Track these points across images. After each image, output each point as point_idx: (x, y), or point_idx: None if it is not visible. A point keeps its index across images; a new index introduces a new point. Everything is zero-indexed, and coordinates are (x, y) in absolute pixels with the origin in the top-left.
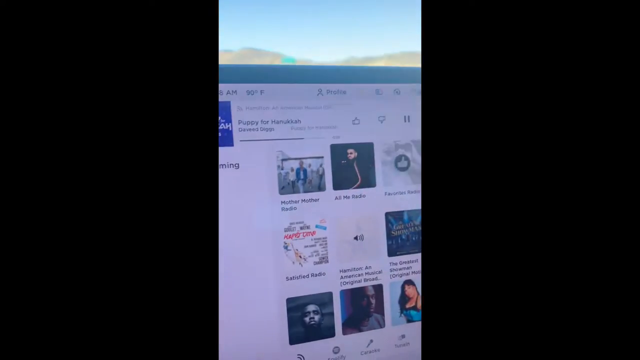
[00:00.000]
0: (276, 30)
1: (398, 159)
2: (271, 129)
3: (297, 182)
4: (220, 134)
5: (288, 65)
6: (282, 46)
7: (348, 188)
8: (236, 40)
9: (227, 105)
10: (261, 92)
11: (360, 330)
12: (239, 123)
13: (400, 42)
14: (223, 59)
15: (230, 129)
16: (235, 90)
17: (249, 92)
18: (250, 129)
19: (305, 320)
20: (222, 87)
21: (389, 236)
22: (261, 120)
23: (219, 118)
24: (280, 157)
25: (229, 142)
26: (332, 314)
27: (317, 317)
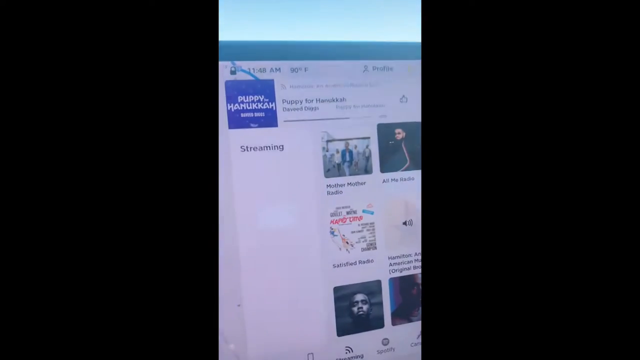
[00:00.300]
0: (279, 21)
1: None
2: (316, 108)
3: (342, 164)
4: (263, 114)
5: (333, 42)
6: (287, 37)
7: (396, 170)
8: (238, 32)
9: (271, 83)
10: (305, 69)
11: (410, 321)
12: (283, 102)
13: (416, 31)
14: None
15: (274, 108)
16: (279, 68)
17: (292, 70)
18: (294, 109)
19: (353, 310)
20: (265, 64)
21: None
22: (305, 99)
23: (262, 97)
24: (326, 138)
25: (273, 123)
26: (380, 303)
27: (365, 307)
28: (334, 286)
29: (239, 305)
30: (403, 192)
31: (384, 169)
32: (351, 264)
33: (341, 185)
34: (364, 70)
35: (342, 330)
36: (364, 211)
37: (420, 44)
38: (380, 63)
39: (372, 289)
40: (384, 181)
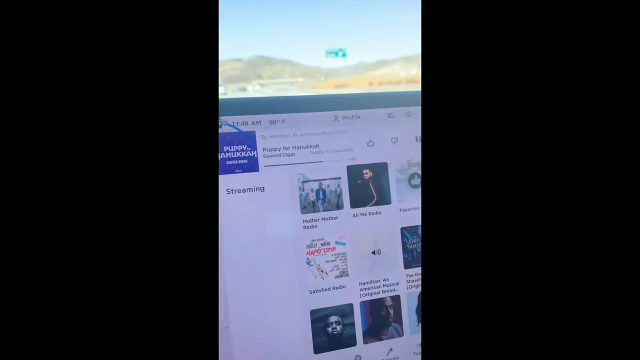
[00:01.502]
0: (285, 37)
1: (411, 176)
2: (292, 154)
3: (317, 201)
4: (246, 161)
5: (306, 96)
6: (292, 53)
7: (365, 206)
8: (245, 49)
9: (252, 134)
10: (282, 121)
11: (380, 339)
12: (264, 150)
13: (416, 43)
14: (233, 68)
15: (255, 156)
16: (259, 121)
17: (271, 122)
18: (273, 155)
19: (328, 331)
20: (247, 118)
21: (405, 250)
22: (283, 147)
23: (245, 146)
24: (301, 180)
25: (255, 168)
26: (353, 324)
27: (339, 327)
28: (310, 309)
29: (226, 328)
30: (371, 225)
31: (353, 204)
32: (326, 290)
33: (316, 220)
34: (334, 120)
35: (318, 349)
36: (336, 242)
37: (385, 95)
38: (348, 113)
39: (345, 311)
40: (354, 215)
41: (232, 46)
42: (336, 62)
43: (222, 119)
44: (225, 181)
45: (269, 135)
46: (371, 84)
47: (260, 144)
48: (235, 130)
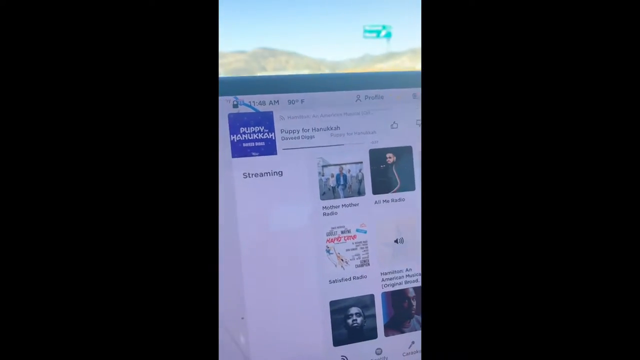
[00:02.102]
0: (289, 28)
1: None
2: (312, 137)
3: (337, 187)
4: (264, 143)
5: (327, 74)
6: (296, 45)
7: (387, 192)
8: (249, 41)
9: (270, 115)
10: (302, 101)
11: (402, 332)
12: (282, 132)
13: (405, 61)
14: (237, 59)
15: (273, 138)
16: (277, 100)
17: (290, 102)
18: (292, 137)
19: (348, 322)
20: (264, 97)
21: None
22: (302, 129)
23: (262, 127)
24: (321, 164)
25: (273, 151)
26: (374, 316)
27: (359, 319)
28: (330, 300)
29: (242, 318)
30: (394, 212)
31: (375, 191)
32: (346, 280)
33: (336, 207)
34: (356, 100)
35: (338, 341)
36: (357, 230)
37: (409, 74)
38: (371, 92)
39: (365, 302)
40: (376, 202)
41: (236, 38)
42: (343, 54)
43: (239, 98)
44: (241, 164)
45: (287, 116)
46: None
47: (278, 125)
48: (252, 111)
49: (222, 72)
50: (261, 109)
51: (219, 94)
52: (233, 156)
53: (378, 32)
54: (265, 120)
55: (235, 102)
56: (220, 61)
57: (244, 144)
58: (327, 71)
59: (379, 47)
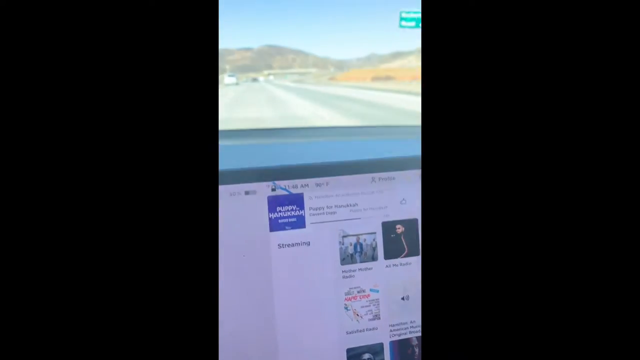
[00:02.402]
0: (296, 26)
1: None
2: (334, 212)
3: (355, 254)
4: (295, 219)
5: (347, 161)
6: (302, 43)
7: (396, 257)
8: (256, 38)
9: (301, 196)
10: (327, 183)
11: None
12: (310, 209)
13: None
14: (244, 56)
15: (303, 214)
16: (307, 184)
17: (317, 185)
18: (318, 214)
19: None
20: (296, 182)
21: None
22: (327, 206)
23: (294, 206)
24: (342, 235)
25: (302, 225)
26: None
27: None
28: (347, 347)
29: None
30: (402, 274)
31: (387, 256)
32: (360, 331)
33: (353, 271)
34: (371, 181)
35: None
36: (371, 290)
37: (416, 159)
38: (384, 175)
39: (376, 349)
40: (387, 266)
41: (243, 35)
42: (349, 52)
43: (276, 183)
44: (276, 237)
45: (314, 196)
46: (388, 77)
47: (307, 204)
48: (286, 193)
49: (229, 69)
50: (294, 191)
51: (260, 179)
52: (270, 230)
53: (417, 21)
54: (297, 200)
55: (273, 187)
56: (227, 57)
57: (280, 220)
58: (332, 69)
59: (385, 46)
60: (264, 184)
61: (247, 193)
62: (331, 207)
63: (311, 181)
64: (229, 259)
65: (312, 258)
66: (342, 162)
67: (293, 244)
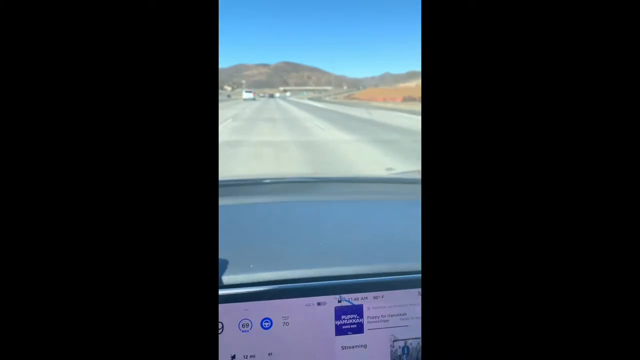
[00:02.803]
0: (313, 44)
1: None
2: (387, 320)
3: (402, 356)
4: (356, 326)
5: (400, 277)
6: (319, 60)
7: None
8: (273, 54)
9: (361, 307)
10: (382, 297)
11: None
12: (368, 317)
13: None
14: (261, 72)
15: (362, 322)
16: (366, 297)
17: (374, 297)
18: (374, 321)
19: None
20: (358, 295)
21: None
22: (381, 315)
23: (356, 315)
24: (392, 339)
25: (361, 331)
26: None
27: None
28: None
29: None
30: None
31: None
32: None
33: None
34: (418, 295)
35: None
36: None
37: None
38: None
39: None
40: None
41: (261, 51)
42: (364, 71)
43: (342, 296)
44: (340, 340)
45: (372, 307)
46: (406, 98)
47: (366, 313)
48: (350, 304)
49: (245, 84)
50: (355, 302)
51: (329, 293)
52: (336, 335)
53: None
54: (358, 310)
55: (339, 299)
56: (244, 73)
57: (343, 327)
58: (345, 87)
59: (399, 66)
60: (332, 297)
61: (319, 304)
62: (385, 316)
63: (370, 295)
64: (301, 358)
65: (369, 359)
66: (396, 277)
67: (353, 346)
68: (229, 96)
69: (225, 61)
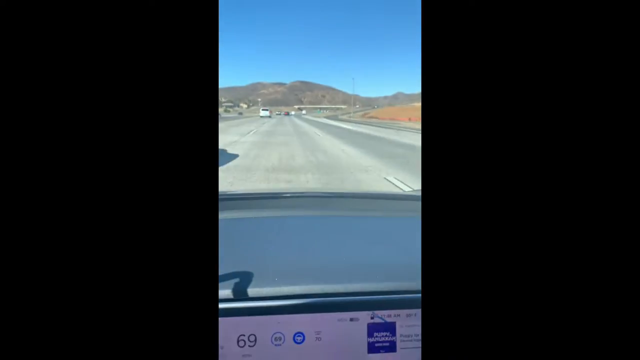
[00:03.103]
0: (326, 64)
1: None
2: (419, 339)
3: None
4: (388, 344)
5: None
6: (332, 80)
7: None
8: (289, 74)
9: (394, 324)
10: (415, 314)
11: None
12: (400, 336)
13: None
14: (277, 90)
15: (395, 340)
16: (399, 314)
17: (407, 315)
18: (406, 340)
19: None
20: (391, 312)
21: None
22: (414, 333)
23: (388, 333)
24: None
25: (394, 349)
26: None
27: None
28: None
29: None
30: None
31: None
32: None
33: None
34: None
35: None
36: None
37: None
38: None
39: None
40: None
41: (277, 70)
42: (377, 91)
43: (375, 312)
44: (373, 359)
45: (405, 325)
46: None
47: (398, 331)
48: (382, 321)
49: (262, 102)
50: (388, 320)
51: (362, 309)
52: (368, 352)
53: None
54: (391, 328)
55: (372, 316)
56: (260, 91)
57: (376, 344)
58: (358, 105)
59: (412, 85)
60: (365, 312)
61: (351, 320)
62: (417, 334)
63: (403, 312)
64: None
65: None
66: None
67: None
68: (240, 114)
69: (242, 80)
